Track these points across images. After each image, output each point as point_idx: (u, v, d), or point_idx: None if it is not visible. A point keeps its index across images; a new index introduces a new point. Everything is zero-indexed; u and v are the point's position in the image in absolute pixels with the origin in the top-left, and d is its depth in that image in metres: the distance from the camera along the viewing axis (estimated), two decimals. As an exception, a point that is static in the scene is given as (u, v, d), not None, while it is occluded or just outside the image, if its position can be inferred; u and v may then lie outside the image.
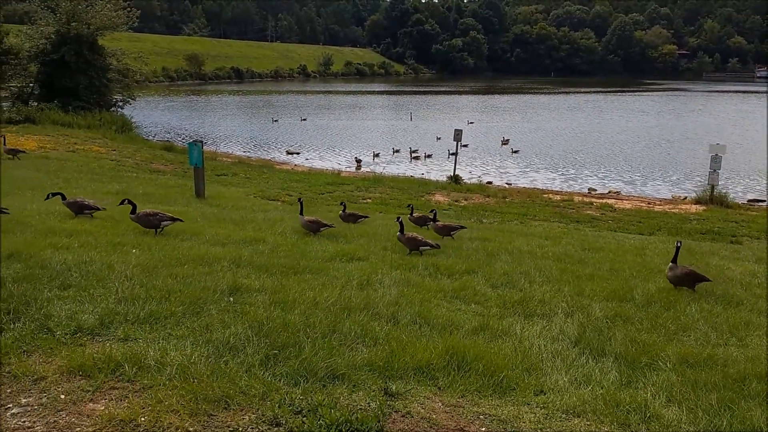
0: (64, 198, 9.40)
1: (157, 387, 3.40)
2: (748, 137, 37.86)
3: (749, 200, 19.77)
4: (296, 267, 7.01)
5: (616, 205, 17.56)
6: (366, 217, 11.18)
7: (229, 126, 43.89)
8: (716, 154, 17.99)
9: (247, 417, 3.16)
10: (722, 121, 49.80)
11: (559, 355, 4.54)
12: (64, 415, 3.12)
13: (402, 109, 61.47)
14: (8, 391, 3.34)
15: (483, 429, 3.23)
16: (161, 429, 3.02)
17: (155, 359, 3.72)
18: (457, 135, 21.75)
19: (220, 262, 6.94)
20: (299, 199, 10.98)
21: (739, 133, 40.42)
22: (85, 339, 4.10)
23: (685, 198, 19.63)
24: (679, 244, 7.25)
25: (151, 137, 33.83)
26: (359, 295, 5.80)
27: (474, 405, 3.52)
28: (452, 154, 28.23)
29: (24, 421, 3.06)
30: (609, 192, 21.22)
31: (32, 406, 3.20)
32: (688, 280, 6.93)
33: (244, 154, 31.02)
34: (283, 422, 3.07)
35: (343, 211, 10.85)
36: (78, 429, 3.00)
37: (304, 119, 46.15)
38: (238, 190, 17.89)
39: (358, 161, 26.66)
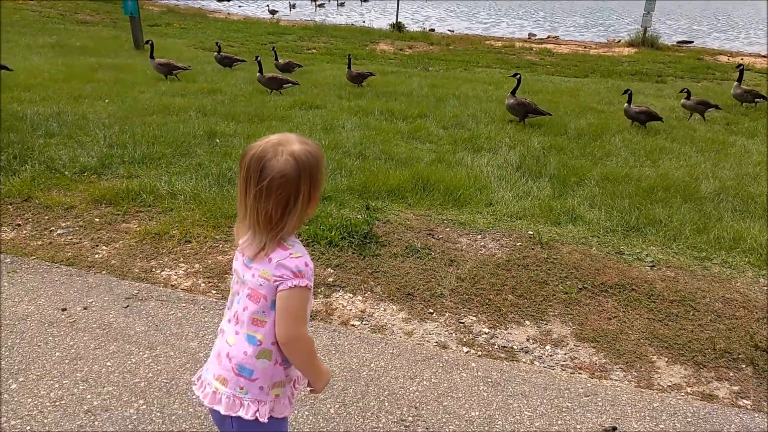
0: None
1: (177, 209, 4.01)
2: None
3: (678, 42, 20.67)
4: (260, 115, 7.41)
5: (554, 50, 18.11)
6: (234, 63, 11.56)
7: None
8: (650, -4, 18.41)
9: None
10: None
11: (504, 178, 5.37)
12: (104, 233, 3.71)
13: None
14: (46, 218, 3.87)
15: (447, 229, 4.06)
16: (192, 238, 3.68)
17: (166, 190, 4.28)
18: (399, -21, 21.09)
19: (186, 111, 7.25)
20: (148, 41, 10.28)
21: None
22: (93, 177, 4.58)
23: (620, 41, 20.32)
24: (519, 76, 7.97)
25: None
26: (326, 137, 6.36)
27: (439, 215, 4.33)
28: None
29: (71, 239, 3.64)
30: (548, 37, 21.63)
31: (73, 227, 3.76)
32: (521, 112, 7.64)
33: (172, 2, 29.05)
34: (291, 229, 3.78)
35: (219, 52, 11.37)
36: (121, 241, 3.62)
37: None
38: (177, 42, 17.22)
39: (273, 12, 25.40)
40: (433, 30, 22.31)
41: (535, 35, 22.06)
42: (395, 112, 8.01)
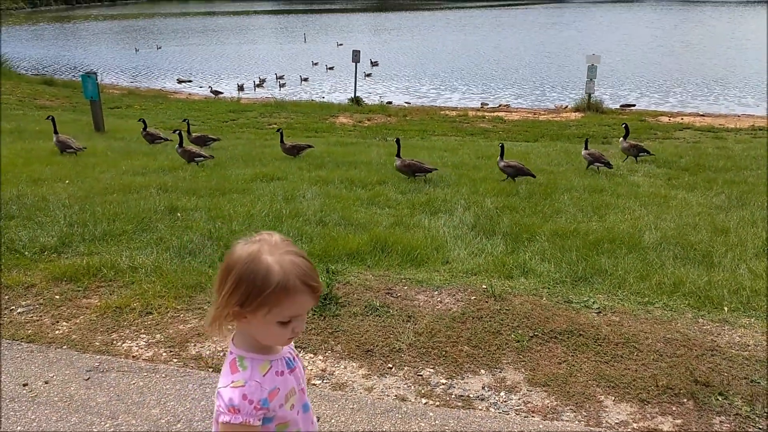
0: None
1: (138, 282, 4.07)
2: (619, 47, 40.75)
3: (621, 105, 21.95)
4: (222, 189, 7.57)
5: (506, 117, 19.02)
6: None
7: (98, 56, 41.31)
8: (592, 64, 19.69)
9: (218, 298, 3.93)
10: (595, 32, 53.03)
11: (460, 237, 5.60)
12: (65, 309, 3.74)
13: (285, 31, 60.23)
14: (6, 297, 3.87)
15: (405, 287, 4.21)
16: (153, 309, 3.74)
17: (127, 264, 4.34)
18: (355, 56, 22.09)
19: (147, 189, 7.36)
20: (49, 117, 10.29)
21: (609, 42, 43.32)
22: (53, 256, 4.62)
23: (566, 107, 21.47)
24: (398, 139, 8.70)
25: (23, 71, 31.29)
26: (287, 207, 6.54)
27: (397, 274, 4.49)
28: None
29: (31, 316, 3.65)
30: (500, 105, 22.72)
31: (33, 305, 3.78)
32: (408, 171, 8.27)
33: (131, 84, 29.63)
34: (252, 295, 3.87)
35: (144, 129, 11.59)
36: (82, 317, 3.64)
37: (160, 47, 44.73)
38: (137, 123, 17.52)
39: (216, 93, 26.01)
40: (390, 103, 23.20)
41: (487, 104, 23.13)
42: (355, 180, 8.28)
